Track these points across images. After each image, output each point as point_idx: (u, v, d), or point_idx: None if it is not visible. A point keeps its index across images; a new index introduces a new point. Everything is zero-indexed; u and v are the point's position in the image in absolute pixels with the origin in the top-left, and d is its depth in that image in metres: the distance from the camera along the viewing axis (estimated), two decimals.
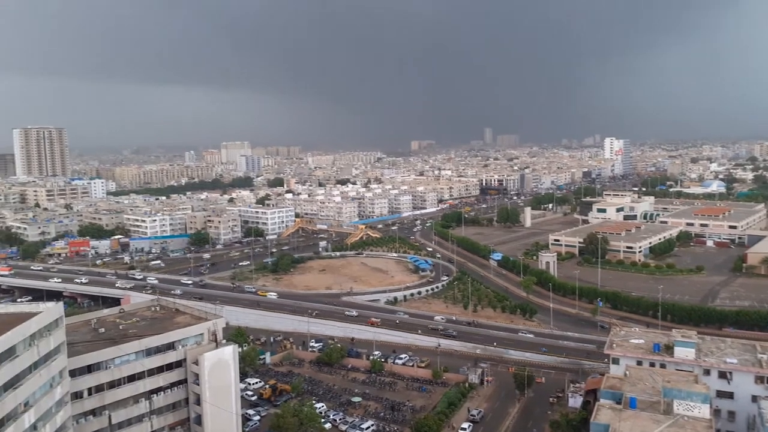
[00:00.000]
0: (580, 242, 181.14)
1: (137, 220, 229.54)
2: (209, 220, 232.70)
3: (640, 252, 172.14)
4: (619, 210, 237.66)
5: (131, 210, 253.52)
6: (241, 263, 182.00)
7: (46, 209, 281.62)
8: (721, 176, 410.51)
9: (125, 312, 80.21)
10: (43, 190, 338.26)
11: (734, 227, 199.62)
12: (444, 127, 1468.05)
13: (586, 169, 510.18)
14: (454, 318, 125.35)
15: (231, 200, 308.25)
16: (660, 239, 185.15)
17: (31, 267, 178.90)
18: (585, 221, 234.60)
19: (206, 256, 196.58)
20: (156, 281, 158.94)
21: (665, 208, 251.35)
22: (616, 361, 71.91)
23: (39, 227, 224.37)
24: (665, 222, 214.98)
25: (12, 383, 48.68)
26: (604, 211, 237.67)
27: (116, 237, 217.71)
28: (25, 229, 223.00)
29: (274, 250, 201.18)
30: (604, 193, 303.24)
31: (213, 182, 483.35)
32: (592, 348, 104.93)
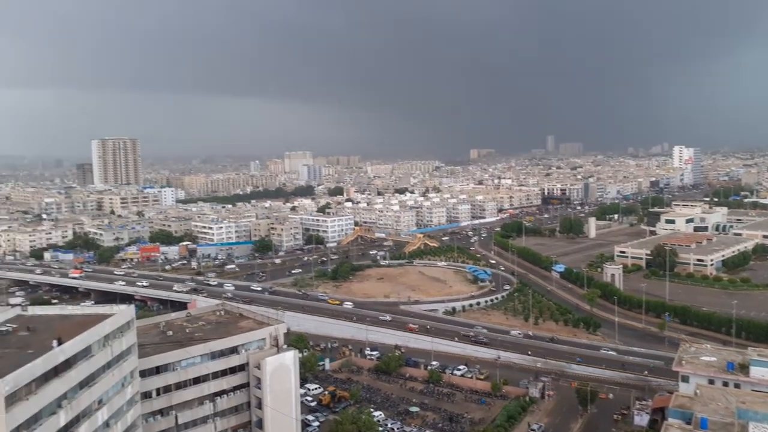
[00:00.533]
0: (647, 254, 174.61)
1: (204, 227, 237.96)
2: (272, 228, 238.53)
3: (711, 265, 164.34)
4: (689, 221, 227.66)
5: (199, 217, 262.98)
6: (297, 270, 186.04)
7: (120, 216, 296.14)
8: None
9: (192, 316, 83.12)
10: (117, 198, 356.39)
11: None
12: (504, 135, 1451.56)
13: (653, 179, 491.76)
14: (530, 333, 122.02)
15: (293, 208, 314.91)
16: (734, 252, 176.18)
17: (114, 272, 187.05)
18: (652, 232, 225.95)
19: (277, 261, 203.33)
20: (233, 287, 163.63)
21: (739, 220, 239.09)
22: (685, 379, 68.94)
23: (113, 233, 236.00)
24: (739, 234, 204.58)
25: (87, 381, 51.35)
26: (672, 222, 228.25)
27: (184, 243, 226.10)
28: (101, 234, 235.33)
29: (334, 256, 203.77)
30: (673, 203, 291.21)
31: (276, 191, 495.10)
32: (660, 364, 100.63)
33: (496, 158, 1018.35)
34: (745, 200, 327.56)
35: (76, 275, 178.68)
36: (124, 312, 60.07)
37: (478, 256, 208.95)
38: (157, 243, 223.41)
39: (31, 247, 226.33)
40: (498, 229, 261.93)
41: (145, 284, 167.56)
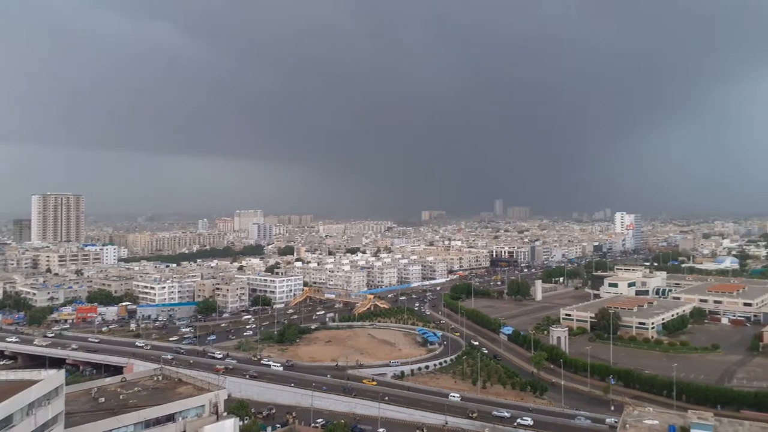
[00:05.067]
0: (591, 317, 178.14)
1: (146, 287, 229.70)
2: (217, 288, 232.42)
3: (652, 328, 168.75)
4: (630, 285, 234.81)
5: (141, 277, 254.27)
6: (245, 333, 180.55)
7: (57, 274, 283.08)
8: (734, 252, 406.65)
9: (127, 381, 79.36)
10: (55, 256, 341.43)
11: (749, 305, 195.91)
12: (455, 198, 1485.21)
13: (596, 243, 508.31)
14: (475, 396, 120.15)
15: (240, 268, 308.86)
16: (673, 316, 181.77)
17: (34, 334, 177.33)
18: (596, 296, 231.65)
19: (222, 323, 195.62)
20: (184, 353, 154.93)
21: (678, 284, 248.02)
22: None
23: (48, 293, 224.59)
24: (678, 298, 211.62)
25: None
26: (615, 285, 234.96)
27: (124, 304, 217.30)
28: (34, 294, 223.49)
29: (281, 321, 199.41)
30: (616, 267, 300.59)
31: (224, 250, 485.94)
32: (605, 428, 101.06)
33: (447, 220, 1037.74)
34: (683, 265, 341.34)
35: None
36: (52, 377, 56.79)
37: (428, 317, 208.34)
38: (95, 303, 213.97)
39: None
40: (448, 290, 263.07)
41: (74, 347, 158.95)
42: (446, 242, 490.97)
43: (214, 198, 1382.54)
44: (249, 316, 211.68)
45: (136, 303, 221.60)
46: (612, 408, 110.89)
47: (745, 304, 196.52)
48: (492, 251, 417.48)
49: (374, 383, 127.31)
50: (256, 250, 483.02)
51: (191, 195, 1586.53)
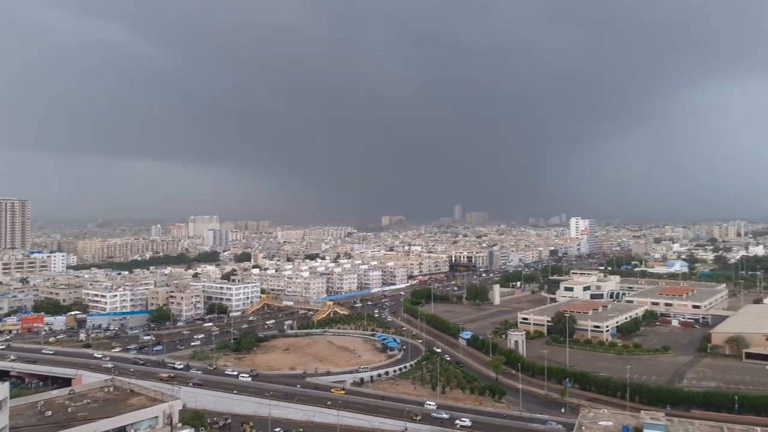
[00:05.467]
0: (548, 321, 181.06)
1: (97, 295, 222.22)
2: (171, 296, 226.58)
3: (607, 331, 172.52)
4: (585, 289, 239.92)
5: (91, 285, 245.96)
6: (195, 341, 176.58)
7: (1, 283, 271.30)
8: (683, 256, 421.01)
9: (76, 393, 76.36)
10: None
11: (698, 307, 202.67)
12: (415, 204, 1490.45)
13: (552, 248, 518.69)
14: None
15: (195, 275, 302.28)
16: (626, 318, 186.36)
17: None
18: (552, 300, 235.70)
19: (175, 332, 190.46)
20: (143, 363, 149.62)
21: (631, 288, 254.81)
22: None
23: None
24: (631, 301, 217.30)
25: None
26: (571, 289, 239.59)
27: (73, 313, 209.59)
28: None
29: (235, 330, 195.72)
30: (571, 271, 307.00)
31: (178, 257, 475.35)
32: (562, 430, 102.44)
33: (407, 225, 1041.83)
34: (635, 269, 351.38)
35: None
36: None
37: (388, 323, 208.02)
38: (42, 313, 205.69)
39: None
40: (408, 296, 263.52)
41: (13, 357, 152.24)
42: (406, 247, 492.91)
43: (168, 203, 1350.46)
44: (211, 324, 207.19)
45: (86, 312, 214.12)
46: (568, 410, 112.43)
47: (694, 307, 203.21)
48: (451, 256, 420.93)
49: (343, 392, 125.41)
50: (211, 257, 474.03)
51: (145, 200, 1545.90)
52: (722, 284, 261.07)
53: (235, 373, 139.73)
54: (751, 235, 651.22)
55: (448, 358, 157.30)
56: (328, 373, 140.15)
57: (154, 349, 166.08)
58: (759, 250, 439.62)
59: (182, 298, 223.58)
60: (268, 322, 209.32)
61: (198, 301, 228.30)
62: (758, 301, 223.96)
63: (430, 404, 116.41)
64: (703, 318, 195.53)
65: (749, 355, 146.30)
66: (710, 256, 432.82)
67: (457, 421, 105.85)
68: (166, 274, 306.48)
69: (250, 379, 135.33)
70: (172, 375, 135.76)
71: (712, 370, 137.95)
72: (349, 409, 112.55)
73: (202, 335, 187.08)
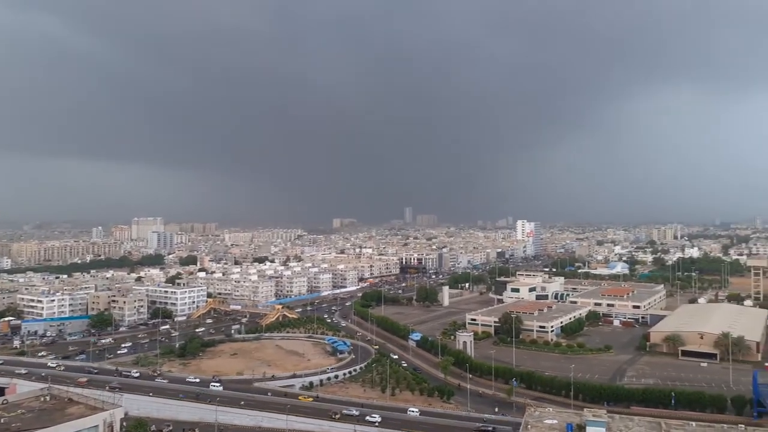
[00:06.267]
0: (495, 321, 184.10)
1: (32, 301, 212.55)
2: (113, 301, 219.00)
3: (552, 331, 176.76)
4: (531, 290, 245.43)
5: (26, 289, 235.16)
6: (119, 351, 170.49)
7: None
8: (624, 258, 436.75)
9: (9, 403, 72.91)
10: None
11: (638, 307, 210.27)
12: (365, 206, 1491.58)
13: (499, 250, 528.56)
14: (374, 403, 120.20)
15: (139, 279, 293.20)
16: (570, 319, 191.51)
17: None
18: (500, 300, 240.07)
19: (116, 337, 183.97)
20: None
21: (574, 288, 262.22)
22: None
23: None
24: (575, 302, 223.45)
25: None
26: (517, 290, 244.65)
27: (6, 319, 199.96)
28: None
29: (177, 334, 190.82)
30: (518, 273, 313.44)
31: (121, 260, 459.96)
32: (508, 430, 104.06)
33: (358, 228, 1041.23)
34: (579, 270, 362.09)
35: None
36: None
37: (338, 326, 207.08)
38: None
39: None
40: (358, 298, 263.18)
41: None
42: (357, 250, 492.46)
43: (110, 205, 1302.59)
44: (167, 326, 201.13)
45: (21, 318, 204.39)
46: (515, 409, 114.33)
47: (635, 307, 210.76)
48: (402, 258, 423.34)
49: (310, 399, 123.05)
50: (155, 260, 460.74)
51: (85, 201, 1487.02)
52: (660, 285, 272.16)
53: (197, 380, 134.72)
54: (687, 238, 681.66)
55: (399, 359, 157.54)
56: (273, 378, 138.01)
57: (76, 357, 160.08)
58: (694, 252, 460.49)
59: (125, 302, 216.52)
60: (222, 325, 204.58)
61: (141, 306, 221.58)
62: (693, 301, 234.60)
63: (413, 411, 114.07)
64: (643, 318, 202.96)
65: (685, 353, 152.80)
66: (649, 257, 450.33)
67: (367, 417, 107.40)
68: (107, 278, 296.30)
69: (221, 387, 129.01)
70: (87, 380, 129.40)
71: (651, 368, 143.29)
72: (297, 413, 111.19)
73: (130, 344, 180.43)
